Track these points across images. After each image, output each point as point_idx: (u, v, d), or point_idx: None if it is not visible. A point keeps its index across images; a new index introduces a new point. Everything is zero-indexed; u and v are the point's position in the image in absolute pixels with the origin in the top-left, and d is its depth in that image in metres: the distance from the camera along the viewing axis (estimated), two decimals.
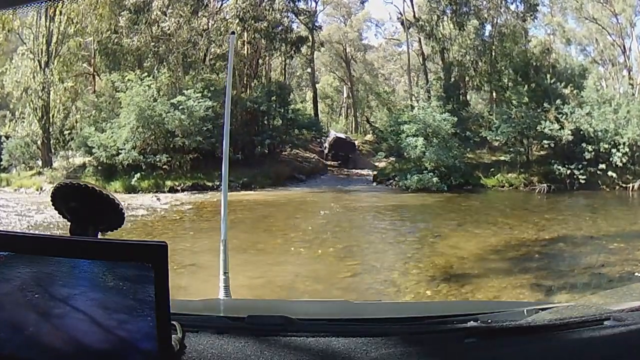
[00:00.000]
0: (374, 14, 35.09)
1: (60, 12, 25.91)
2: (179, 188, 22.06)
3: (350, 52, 35.27)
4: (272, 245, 11.94)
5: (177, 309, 1.19)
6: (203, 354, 1.22)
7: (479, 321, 1.34)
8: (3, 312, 1.08)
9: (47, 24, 25.71)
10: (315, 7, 27.71)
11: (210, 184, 21.94)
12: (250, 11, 21.85)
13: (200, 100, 21.66)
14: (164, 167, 22.29)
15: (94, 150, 22.39)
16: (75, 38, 26.39)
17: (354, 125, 34.98)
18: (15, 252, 1.06)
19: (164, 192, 21.56)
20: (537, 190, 21.68)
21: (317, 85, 33.57)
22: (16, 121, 27.12)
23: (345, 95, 38.10)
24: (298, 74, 33.97)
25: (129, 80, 21.94)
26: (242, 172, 21.33)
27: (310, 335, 1.29)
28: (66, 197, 1.26)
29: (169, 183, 22.24)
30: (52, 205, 1.29)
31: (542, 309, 1.50)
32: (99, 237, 1.27)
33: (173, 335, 1.13)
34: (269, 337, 1.29)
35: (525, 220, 15.18)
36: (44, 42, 25.66)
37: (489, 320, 1.36)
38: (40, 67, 25.35)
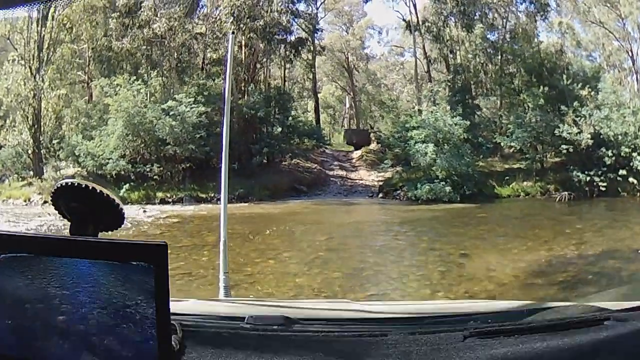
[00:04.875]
0: (376, 20, 32.47)
1: (52, 17, 23.75)
2: (170, 200, 19.48)
3: (353, 61, 32.89)
4: (262, 268, 9.22)
5: (177, 309, 1.17)
6: (203, 354, 1.14)
7: (479, 321, 1.31)
8: (3, 314, 1.00)
9: (39, 29, 23.47)
10: (316, 11, 25.20)
11: (204, 195, 19.37)
12: (246, 9, 19.19)
13: (193, 105, 19.06)
14: (155, 177, 19.68)
15: (80, 160, 19.94)
16: (69, 45, 24.31)
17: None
18: (14, 252, 0.99)
19: (154, 203, 18.98)
20: (557, 199, 19.14)
21: (319, 95, 31.17)
22: (7, 129, 24.74)
23: (347, 105, 35.75)
24: (299, 85, 31.49)
25: (117, 85, 19.38)
26: (238, 183, 18.61)
27: (310, 335, 1.25)
28: (66, 196, 1.15)
29: (160, 194, 19.69)
30: (52, 204, 1.18)
31: (542, 309, 1.42)
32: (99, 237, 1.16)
33: (173, 335, 1.04)
34: (269, 337, 1.23)
35: (557, 232, 12.55)
36: (35, 47, 23.42)
37: (489, 320, 1.33)
38: (32, 73, 23.10)
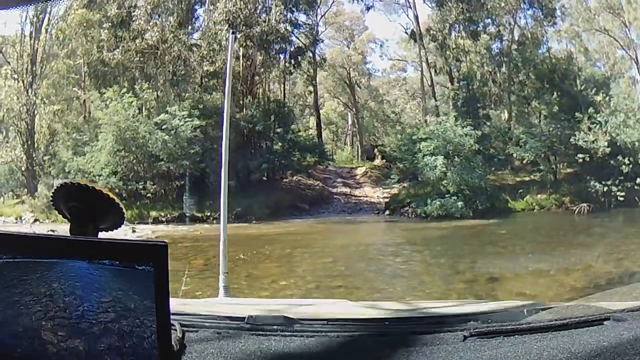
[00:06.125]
0: (378, 34, 30.85)
1: (46, 31, 22.49)
2: (164, 219, 17.77)
3: (355, 77, 31.39)
4: (254, 297, 7.41)
5: (177, 309, 1.15)
6: (203, 354, 1.12)
7: (479, 321, 1.27)
8: (3, 314, 0.99)
9: (32, 42, 22.20)
10: (317, 26, 23.67)
11: (199, 214, 17.61)
12: (242, 17, 17.59)
13: (187, 119, 17.41)
14: (148, 195, 18.00)
15: (70, 176, 18.25)
16: (64, 60, 23.05)
17: (359, 153, 31.04)
18: (14, 253, 0.97)
19: (147, 223, 17.29)
20: (575, 211, 17.40)
21: (320, 111, 29.56)
22: (1, 145, 23.42)
23: (350, 122, 34.18)
24: (300, 102, 29.98)
25: (109, 98, 17.81)
26: (236, 201, 16.77)
27: (310, 335, 1.21)
28: (66, 196, 1.16)
29: (153, 213, 18.03)
30: (52, 204, 1.19)
31: (542, 309, 1.40)
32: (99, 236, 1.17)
33: (173, 335, 1.02)
34: (269, 337, 1.20)
35: (588, 248, 10.80)
36: (29, 61, 22.12)
37: (489, 320, 1.29)
38: (25, 87, 21.78)
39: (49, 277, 0.94)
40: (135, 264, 0.90)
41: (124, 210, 1.18)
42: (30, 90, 21.77)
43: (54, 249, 0.95)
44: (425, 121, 19.85)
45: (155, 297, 0.90)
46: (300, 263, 10.26)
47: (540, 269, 8.80)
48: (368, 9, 22.28)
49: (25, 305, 0.95)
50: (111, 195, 1.15)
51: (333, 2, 26.49)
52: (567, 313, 1.34)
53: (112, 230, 1.19)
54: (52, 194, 1.15)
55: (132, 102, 17.55)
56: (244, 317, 1.27)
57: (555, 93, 18.70)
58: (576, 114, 18.12)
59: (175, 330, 1.07)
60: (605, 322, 1.20)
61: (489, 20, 20.84)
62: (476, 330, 1.18)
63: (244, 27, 17.65)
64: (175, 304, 1.05)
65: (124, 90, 18.18)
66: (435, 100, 21.91)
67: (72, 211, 1.14)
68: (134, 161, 17.94)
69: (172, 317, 0.94)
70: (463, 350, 1.12)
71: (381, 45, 29.21)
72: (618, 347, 1.09)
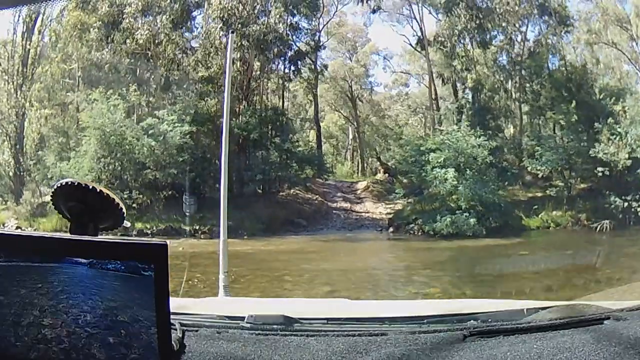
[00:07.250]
0: (381, 46, 29.13)
1: (39, 32, 20.86)
2: (149, 232, 15.79)
3: (357, 91, 29.70)
4: None
5: (177, 309, 1.12)
6: (203, 354, 1.08)
7: (479, 321, 1.24)
8: (3, 315, 0.94)
9: (24, 42, 20.56)
10: (319, 35, 21.95)
11: (187, 227, 15.58)
12: (237, 14, 15.77)
13: (177, 124, 15.51)
14: (134, 205, 16.05)
15: (52, 183, 16.30)
16: (59, 64, 21.38)
17: (360, 168, 29.17)
18: (14, 253, 0.93)
19: (130, 236, 15.26)
20: (596, 229, 15.50)
21: (321, 124, 27.78)
22: None
23: (351, 136, 32.43)
24: (301, 114, 28.24)
25: (94, 100, 15.97)
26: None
27: (310, 335, 1.16)
28: (66, 196, 1.08)
29: (139, 225, 16.05)
30: (52, 204, 1.11)
31: (542, 309, 1.35)
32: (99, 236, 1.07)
33: (173, 335, 0.98)
34: (269, 336, 1.16)
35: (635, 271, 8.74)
36: (20, 63, 20.48)
37: (489, 320, 1.26)
38: (14, 89, 20.12)
39: (47, 277, 0.89)
40: (135, 264, 0.86)
41: (124, 210, 1.06)
42: (19, 93, 20.12)
43: (53, 249, 0.91)
44: (436, 129, 17.84)
45: (155, 297, 0.87)
46: (293, 291, 8.25)
47: (586, 298, 6.78)
48: (374, 12, 20.28)
49: (24, 303, 0.89)
50: (111, 194, 1.05)
51: (335, 12, 24.88)
52: (567, 313, 1.29)
53: (113, 230, 1.10)
54: (51, 194, 1.06)
55: (118, 104, 15.67)
56: (244, 317, 1.23)
57: (572, 102, 16.83)
58: (595, 124, 16.28)
59: (175, 330, 1.00)
60: (605, 322, 1.15)
61: (500, 28, 19.13)
62: (476, 330, 1.14)
63: (239, 26, 15.78)
64: (175, 304, 0.98)
65: (110, 92, 16.34)
66: (437, 109, 20.03)
67: (72, 211, 1.05)
68: (119, 168, 16.02)
69: (172, 317, 0.91)
70: (463, 350, 1.07)
71: (384, 58, 27.59)
72: (618, 347, 1.04)
